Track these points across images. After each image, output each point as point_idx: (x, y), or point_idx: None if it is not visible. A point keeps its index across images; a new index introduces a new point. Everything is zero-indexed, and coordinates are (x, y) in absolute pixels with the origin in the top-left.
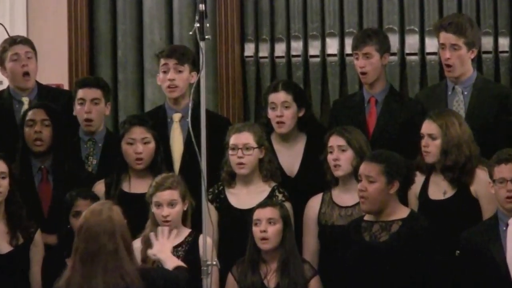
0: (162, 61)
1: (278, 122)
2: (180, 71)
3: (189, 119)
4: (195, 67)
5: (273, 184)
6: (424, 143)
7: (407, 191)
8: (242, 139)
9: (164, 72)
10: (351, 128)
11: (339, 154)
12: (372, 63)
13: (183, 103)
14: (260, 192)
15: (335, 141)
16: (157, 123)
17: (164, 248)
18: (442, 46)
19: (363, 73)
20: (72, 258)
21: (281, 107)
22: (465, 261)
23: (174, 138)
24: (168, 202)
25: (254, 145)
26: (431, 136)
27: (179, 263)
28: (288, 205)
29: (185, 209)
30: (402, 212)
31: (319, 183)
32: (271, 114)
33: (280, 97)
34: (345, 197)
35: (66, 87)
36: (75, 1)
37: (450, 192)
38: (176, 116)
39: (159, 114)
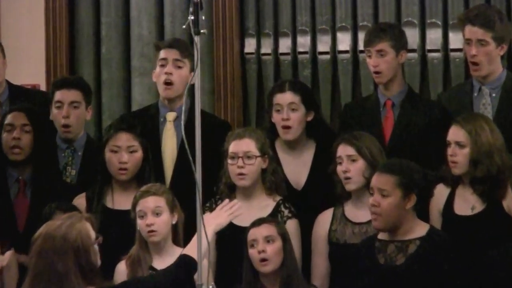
0: (161, 53)
1: (284, 127)
2: (179, 67)
3: (182, 122)
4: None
5: (278, 198)
6: (451, 152)
7: (425, 205)
8: (242, 147)
9: (162, 66)
10: (361, 135)
11: (349, 165)
12: (387, 61)
13: (179, 102)
14: (264, 207)
15: (343, 150)
16: (148, 122)
17: (207, 223)
18: (467, 41)
19: (377, 73)
20: (27, 276)
21: (288, 110)
22: (492, 283)
23: (166, 141)
24: (153, 210)
25: (257, 153)
26: (458, 144)
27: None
28: (294, 222)
29: (174, 222)
30: (420, 230)
31: (329, 196)
32: (276, 117)
33: (286, 98)
34: (359, 212)
35: (43, 87)
36: None
37: (479, 207)
38: (170, 115)
39: (151, 112)
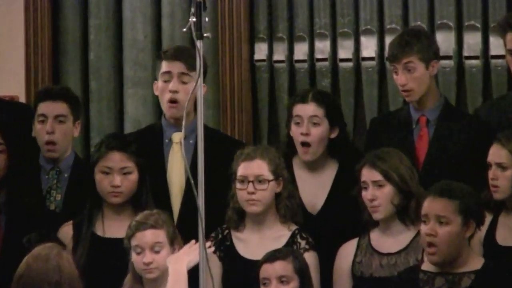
0: (164, 65)
1: (303, 143)
2: (185, 82)
3: (182, 141)
4: (205, 77)
5: (294, 227)
6: (492, 175)
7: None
8: (253, 169)
9: (165, 81)
10: (387, 153)
11: (375, 191)
12: (417, 78)
13: (187, 120)
14: (277, 238)
15: (368, 175)
16: (150, 145)
17: (179, 260)
18: (510, 52)
19: (406, 91)
20: None
21: (308, 123)
22: None
23: (172, 165)
24: (151, 246)
25: (269, 176)
26: (500, 166)
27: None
28: (313, 254)
29: None
30: (475, 262)
31: (348, 224)
32: (294, 131)
33: (308, 110)
34: (387, 241)
35: (22, 99)
36: None
37: None
38: (176, 136)
39: (153, 133)
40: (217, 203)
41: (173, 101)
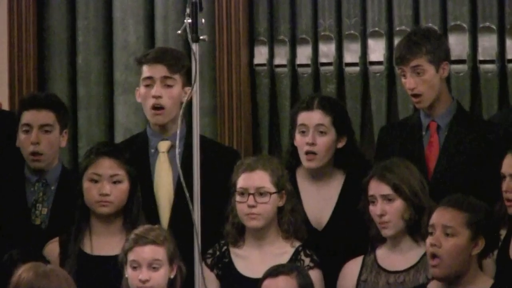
0: (145, 70)
1: (307, 153)
2: (169, 86)
3: (177, 151)
4: (190, 79)
5: (297, 243)
6: (506, 187)
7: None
8: (254, 181)
9: (148, 86)
10: (396, 165)
11: (385, 206)
12: (426, 81)
13: (173, 127)
14: (279, 255)
15: (377, 189)
16: (136, 155)
17: None
18: None
19: (416, 96)
20: None
21: (314, 132)
22: None
23: (160, 177)
24: (149, 263)
25: (272, 189)
26: None
27: None
28: (317, 273)
29: (171, 276)
30: (483, 282)
31: (355, 240)
32: (299, 140)
33: (314, 118)
34: (395, 258)
35: (5, 107)
36: None
37: None
38: (163, 145)
39: (138, 142)
40: (210, 217)
41: (157, 107)
